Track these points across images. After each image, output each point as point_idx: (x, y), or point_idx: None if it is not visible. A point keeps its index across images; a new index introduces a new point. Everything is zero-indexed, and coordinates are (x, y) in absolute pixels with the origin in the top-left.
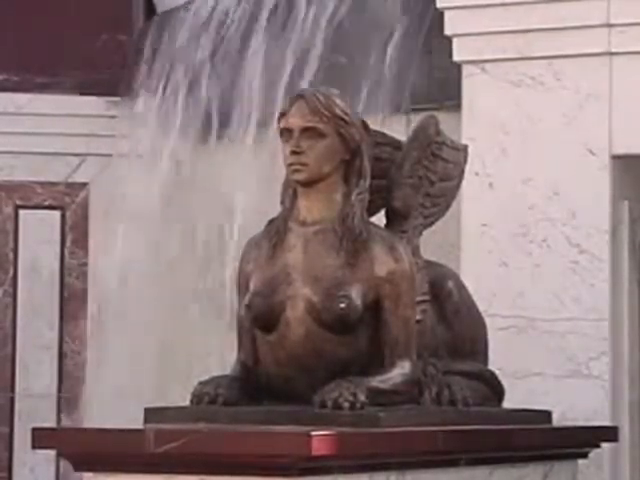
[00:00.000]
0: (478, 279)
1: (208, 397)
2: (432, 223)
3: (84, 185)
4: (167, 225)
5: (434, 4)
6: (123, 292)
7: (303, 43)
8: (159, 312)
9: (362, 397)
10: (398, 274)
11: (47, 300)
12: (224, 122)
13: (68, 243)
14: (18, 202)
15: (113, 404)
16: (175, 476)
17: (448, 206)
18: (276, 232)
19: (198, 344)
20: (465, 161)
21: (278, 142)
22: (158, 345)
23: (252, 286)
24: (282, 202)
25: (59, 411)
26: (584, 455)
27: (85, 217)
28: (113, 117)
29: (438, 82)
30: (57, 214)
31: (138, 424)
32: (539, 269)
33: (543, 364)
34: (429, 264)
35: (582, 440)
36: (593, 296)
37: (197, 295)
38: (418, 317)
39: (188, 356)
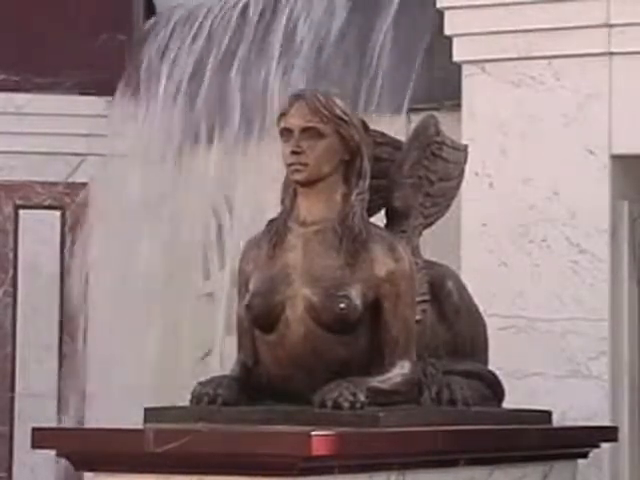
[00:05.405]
0: (478, 279)
1: (208, 397)
2: (432, 223)
3: (84, 185)
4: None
5: (434, 4)
6: (122, 291)
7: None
8: (159, 310)
9: (362, 397)
10: (398, 274)
11: (47, 300)
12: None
13: (68, 243)
14: (18, 202)
15: (114, 403)
16: (175, 476)
17: (448, 206)
18: (276, 232)
19: (198, 341)
20: (465, 161)
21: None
22: (159, 343)
23: (252, 286)
24: (282, 202)
25: (59, 411)
26: (584, 455)
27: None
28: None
29: (438, 82)
30: (57, 214)
31: (138, 424)
32: (539, 269)
33: (543, 364)
34: (429, 264)
35: (582, 440)
36: (593, 296)
37: (197, 293)
38: (418, 317)
39: (188, 354)
